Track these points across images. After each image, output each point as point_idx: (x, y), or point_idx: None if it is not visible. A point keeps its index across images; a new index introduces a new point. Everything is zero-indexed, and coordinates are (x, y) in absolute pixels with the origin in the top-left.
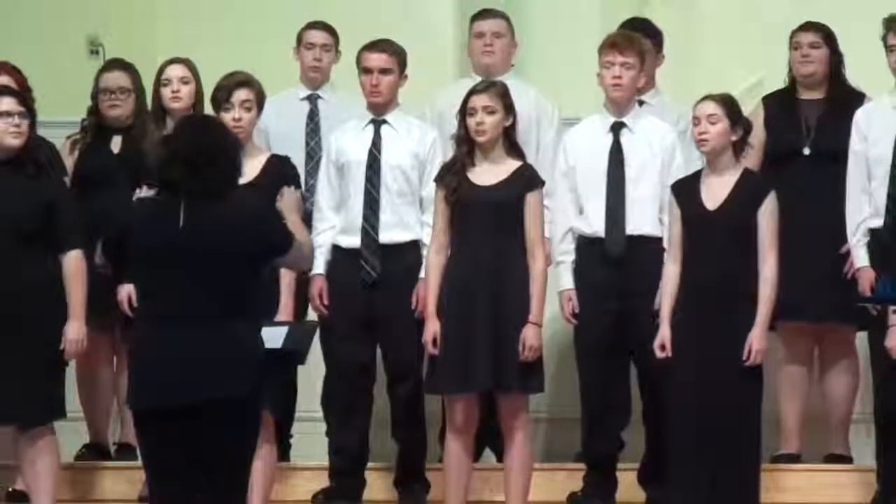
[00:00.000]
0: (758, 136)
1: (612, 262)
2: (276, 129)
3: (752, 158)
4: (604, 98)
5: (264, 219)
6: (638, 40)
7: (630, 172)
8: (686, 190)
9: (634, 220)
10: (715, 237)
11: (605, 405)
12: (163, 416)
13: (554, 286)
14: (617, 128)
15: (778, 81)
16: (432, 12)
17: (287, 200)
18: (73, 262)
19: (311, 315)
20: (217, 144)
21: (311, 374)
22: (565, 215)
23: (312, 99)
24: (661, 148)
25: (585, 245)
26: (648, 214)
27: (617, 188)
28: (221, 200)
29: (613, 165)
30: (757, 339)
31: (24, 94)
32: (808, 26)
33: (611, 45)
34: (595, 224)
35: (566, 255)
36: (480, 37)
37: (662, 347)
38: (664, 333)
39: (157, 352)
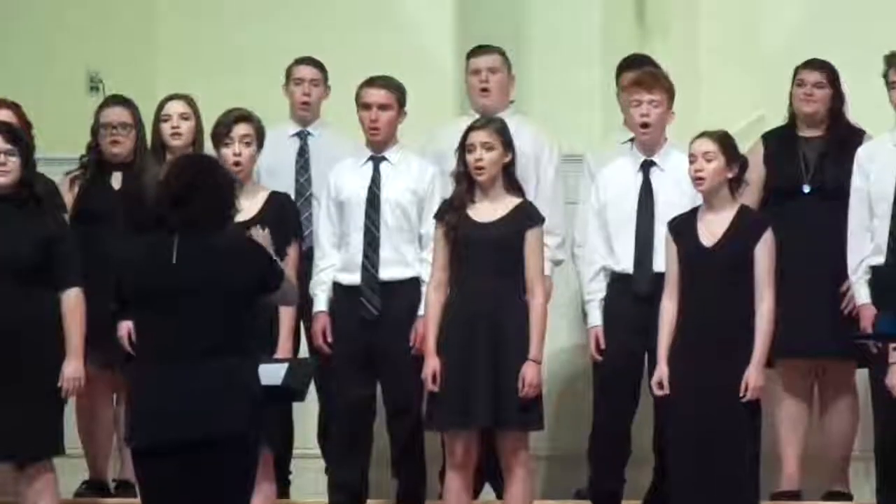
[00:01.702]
0: (758, 173)
1: (640, 300)
2: (266, 166)
3: (752, 195)
4: (605, 135)
5: (257, 254)
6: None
7: (660, 210)
8: (683, 227)
9: (663, 257)
10: (712, 274)
11: (617, 441)
12: (161, 453)
13: (553, 323)
14: (647, 166)
15: (778, 118)
16: (432, 49)
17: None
18: (72, 300)
19: (307, 352)
20: (207, 179)
21: (310, 410)
22: (597, 253)
23: (302, 135)
24: (689, 185)
25: (614, 282)
26: None
27: (646, 226)
28: (214, 235)
29: (643, 203)
30: (754, 376)
31: (15, 130)
32: (814, 64)
33: (638, 83)
34: (623, 261)
35: (597, 292)
36: (477, 73)
37: (660, 385)
38: (662, 371)
39: (155, 389)
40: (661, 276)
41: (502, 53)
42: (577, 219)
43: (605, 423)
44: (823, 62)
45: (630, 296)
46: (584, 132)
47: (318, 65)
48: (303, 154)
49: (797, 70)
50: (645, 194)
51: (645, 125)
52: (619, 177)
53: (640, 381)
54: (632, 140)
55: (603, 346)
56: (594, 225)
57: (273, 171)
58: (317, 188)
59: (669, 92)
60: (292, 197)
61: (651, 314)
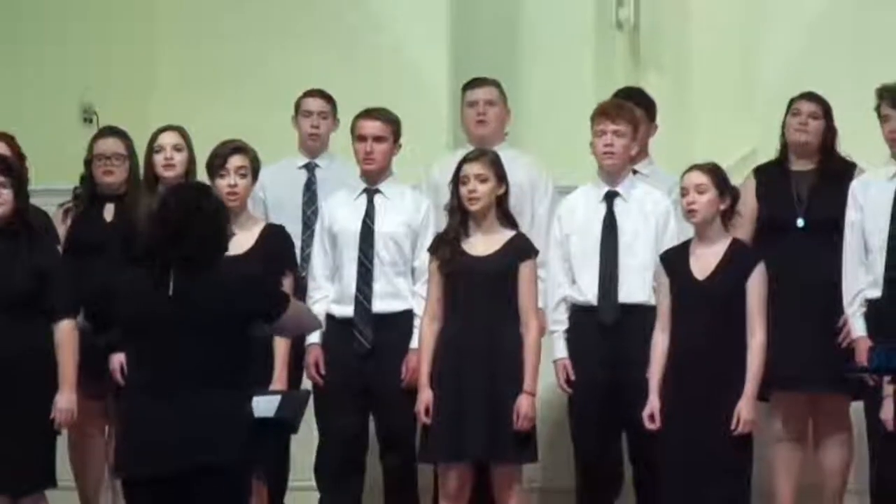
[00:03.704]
0: (750, 207)
1: (606, 331)
2: (273, 197)
3: (744, 229)
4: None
5: (254, 284)
6: (629, 108)
7: (623, 241)
8: (675, 260)
9: (627, 288)
10: (704, 307)
11: (599, 473)
12: (153, 484)
13: (548, 355)
14: (610, 197)
15: (769, 153)
16: (427, 82)
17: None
18: (65, 331)
19: (305, 384)
20: (200, 212)
21: (305, 443)
22: (559, 284)
23: (310, 167)
24: (654, 216)
25: (579, 313)
26: (641, 283)
27: (610, 257)
28: (210, 267)
29: (607, 234)
30: (745, 409)
31: (8, 161)
32: (810, 96)
33: (602, 112)
34: (588, 292)
35: (559, 324)
36: (473, 106)
37: (652, 418)
38: (653, 404)
39: (148, 419)
40: (626, 306)
41: (499, 86)
42: None
43: (585, 457)
44: (818, 95)
45: (596, 327)
46: (578, 165)
47: (327, 97)
48: (310, 186)
49: (792, 101)
50: (608, 225)
51: (608, 153)
52: (583, 207)
53: (617, 412)
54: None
55: (573, 378)
56: (556, 255)
57: (280, 202)
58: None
59: (633, 123)
60: (299, 229)
61: (619, 345)
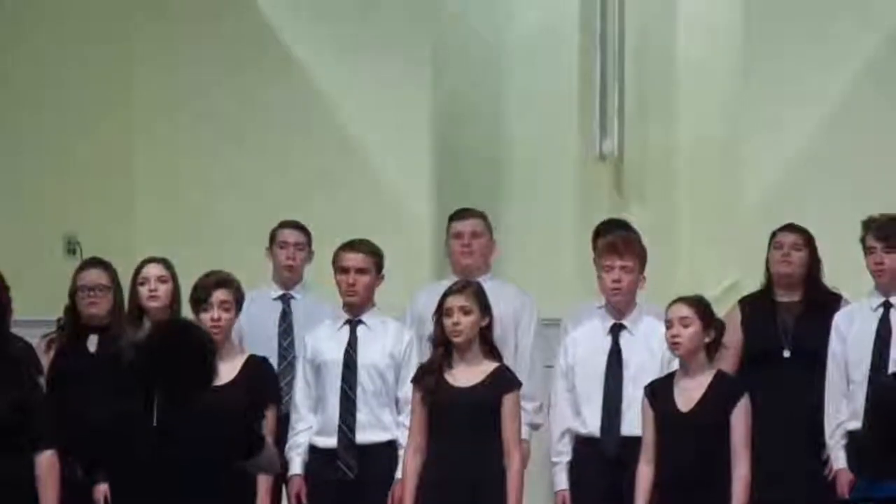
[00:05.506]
0: (735, 337)
1: (607, 463)
2: (249, 329)
3: (729, 360)
4: (584, 300)
5: (238, 422)
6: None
7: (628, 374)
8: (659, 391)
9: (630, 421)
10: (688, 439)
11: None
12: None
13: (530, 488)
14: (616, 330)
15: (753, 283)
16: (410, 213)
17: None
18: (47, 463)
19: None
20: (188, 352)
21: None
22: (563, 416)
23: (285, 299)
24: (660, 349)
25: (581, 445)
26: None
27: (614, 389)
28: (195, 402)
29: (612, 367)
30: None
31: None
32: (792, 228)
33: (609, 248)
34: (591, 424)
35: (562, 455)
36: (459, 237)
37: None
38: None
39: None
40: (628, 439)
41: (484, 218)
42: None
43: None
44: (800, 227)
45: (597, 459)
46: (561, 297)
47: (303, 229)
48: (285, 318)
49: (774, 234)
50: (614, 358)
51: (616, 290)
52: (588, 340)
53: None
54: None
55: None
56: (561, 387)
57: (255, 334)
58: (300, 352)
59: (641, 257)
60: (275, 360)
61: (620, 477)
